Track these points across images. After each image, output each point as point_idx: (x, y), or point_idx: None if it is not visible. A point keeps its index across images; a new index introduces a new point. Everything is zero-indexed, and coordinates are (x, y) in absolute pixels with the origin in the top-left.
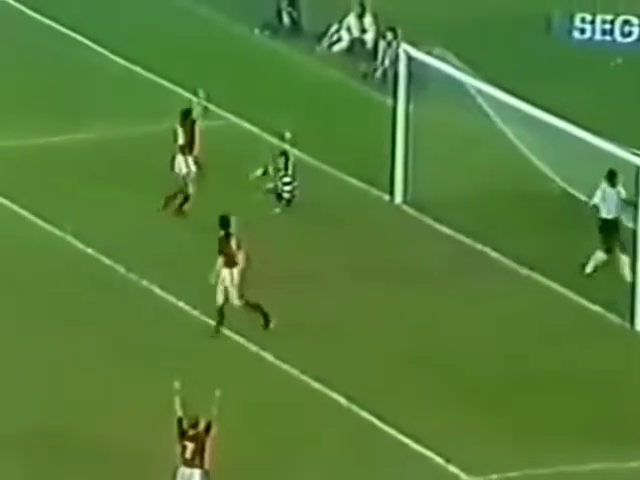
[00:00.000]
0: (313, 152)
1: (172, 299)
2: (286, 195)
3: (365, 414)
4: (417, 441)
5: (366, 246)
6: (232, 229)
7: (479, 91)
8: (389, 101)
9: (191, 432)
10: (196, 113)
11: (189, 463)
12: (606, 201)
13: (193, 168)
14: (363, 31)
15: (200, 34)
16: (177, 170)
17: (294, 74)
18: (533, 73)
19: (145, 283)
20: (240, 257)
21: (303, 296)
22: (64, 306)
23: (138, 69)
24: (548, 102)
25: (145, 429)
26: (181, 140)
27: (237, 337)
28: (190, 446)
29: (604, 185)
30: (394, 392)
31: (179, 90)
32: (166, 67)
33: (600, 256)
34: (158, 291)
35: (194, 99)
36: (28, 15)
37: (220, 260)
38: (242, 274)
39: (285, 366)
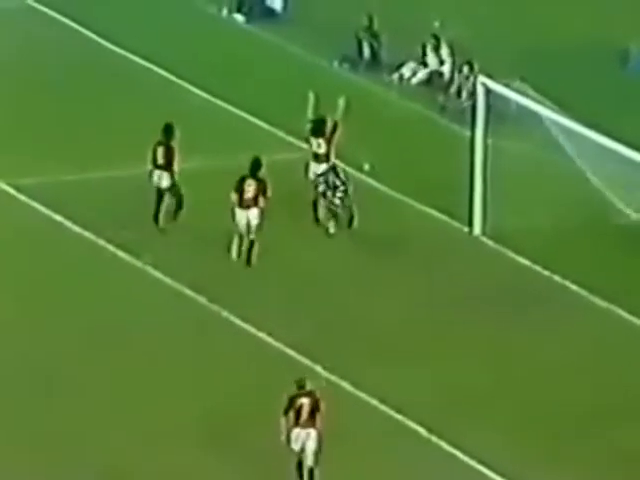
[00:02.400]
0: (392, 184)
1: (251, 328)
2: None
3: (445, 444)
4: (497, 472)
5: (445, 277)
6: (260, 173)
7: (556, 124)
8: (467, 133)
9: (302, 391)
10: (338, 114)
11: (304, 424)
12: None
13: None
14: (441, 63)
15: (279, 66)
16: (313, 178)
17: (373, 106)
18: (609, 106)
19: (225, 314)
20: (261, 200)
21: (381, 325)
22: (146, 338)
23: (218, 101)
24: (624, 135)
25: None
26: (322, 150)
27: (315, 366)
28: (306, 403)
29: None
30: (473, 422)
31: (257, 121)
32: (244, 99)
33: None
34: (238, 322)
35: (340, 102)
36: (109, 48)
37: (234, 198)
38: (261, 215)
39: (364, 395)
